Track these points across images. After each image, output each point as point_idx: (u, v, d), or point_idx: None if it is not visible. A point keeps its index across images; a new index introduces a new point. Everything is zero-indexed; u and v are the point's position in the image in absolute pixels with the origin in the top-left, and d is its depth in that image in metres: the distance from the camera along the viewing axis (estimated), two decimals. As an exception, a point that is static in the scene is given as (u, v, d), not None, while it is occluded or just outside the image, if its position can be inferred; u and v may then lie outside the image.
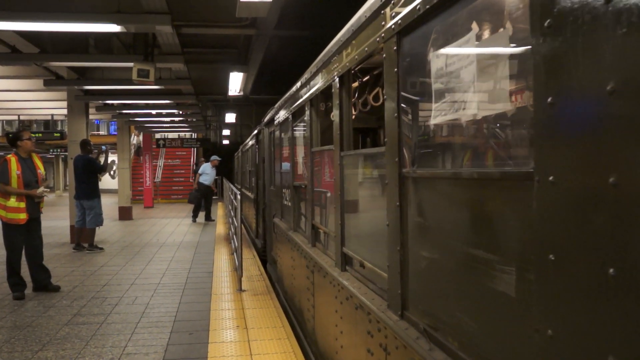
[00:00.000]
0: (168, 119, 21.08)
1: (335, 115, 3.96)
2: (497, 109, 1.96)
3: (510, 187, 1.80)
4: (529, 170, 1.54)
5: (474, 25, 1.99)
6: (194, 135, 32.60)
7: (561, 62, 1.37)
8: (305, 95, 5.27)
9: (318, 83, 4.66)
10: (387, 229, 2.80)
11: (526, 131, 1.81)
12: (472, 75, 2.02)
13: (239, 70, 12.67)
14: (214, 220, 17.83)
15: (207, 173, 17.94)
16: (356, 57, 3.37)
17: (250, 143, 14.38)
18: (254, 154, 12.98)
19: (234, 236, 9.60)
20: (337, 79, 3.87)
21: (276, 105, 8.12)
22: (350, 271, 3.83)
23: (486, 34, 1.99)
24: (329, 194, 4.64)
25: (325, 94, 4.67)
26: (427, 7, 2.23)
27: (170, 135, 31.94)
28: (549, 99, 1.40)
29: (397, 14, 2.58)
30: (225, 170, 29.02)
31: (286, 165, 7.18)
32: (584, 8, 1.27)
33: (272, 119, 8.68)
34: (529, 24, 1.52)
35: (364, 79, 5.44)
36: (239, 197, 8.90)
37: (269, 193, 9.59)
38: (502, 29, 1.91)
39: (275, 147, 8.37)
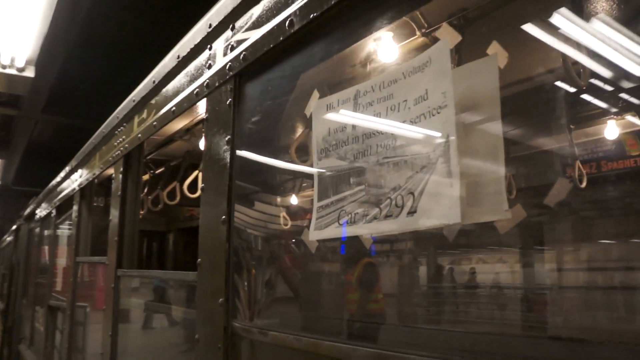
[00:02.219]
0: None
1: (113, 212, 2.49)
2: (486, 207, 0.81)
3: None
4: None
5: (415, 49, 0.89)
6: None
7: None
8: (75, 183, 3.67)
9: (94, 166, 3.16)
10: None
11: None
12: (408, 138, 0.89)
13: (-5, 155, 10.08)
14: None
15: None
16: (155, 123, 2.04)
17: (9, 239, 11.43)
18: (11, 254, 10.18)
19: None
20: (122, 159, 2.46)
21: (39, 197, 6.15)
22: None
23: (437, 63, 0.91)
24: (97, 328, 3.00)
25: (103, 181, 3.17)
26: (313, 15, 1.09)
27: None
28: None
29: (241, 42, 1.41)
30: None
31: (43, 275, 5.21)
32: None
33: (33, 213, 6.60)
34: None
35: (157, 171, 4.08)
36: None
37: (21, 307, 7.16)
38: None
39: (34, 249, 6.25)
